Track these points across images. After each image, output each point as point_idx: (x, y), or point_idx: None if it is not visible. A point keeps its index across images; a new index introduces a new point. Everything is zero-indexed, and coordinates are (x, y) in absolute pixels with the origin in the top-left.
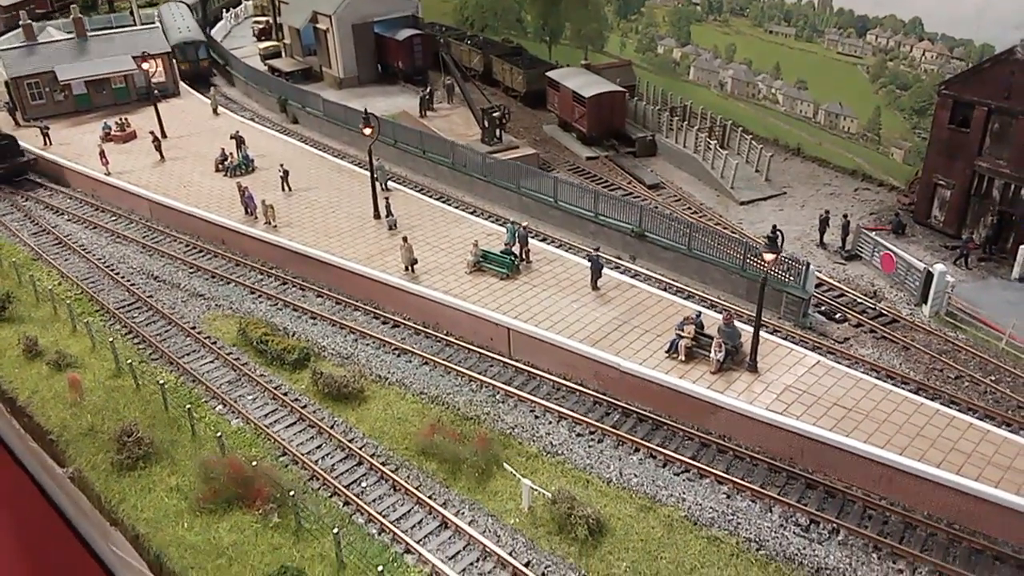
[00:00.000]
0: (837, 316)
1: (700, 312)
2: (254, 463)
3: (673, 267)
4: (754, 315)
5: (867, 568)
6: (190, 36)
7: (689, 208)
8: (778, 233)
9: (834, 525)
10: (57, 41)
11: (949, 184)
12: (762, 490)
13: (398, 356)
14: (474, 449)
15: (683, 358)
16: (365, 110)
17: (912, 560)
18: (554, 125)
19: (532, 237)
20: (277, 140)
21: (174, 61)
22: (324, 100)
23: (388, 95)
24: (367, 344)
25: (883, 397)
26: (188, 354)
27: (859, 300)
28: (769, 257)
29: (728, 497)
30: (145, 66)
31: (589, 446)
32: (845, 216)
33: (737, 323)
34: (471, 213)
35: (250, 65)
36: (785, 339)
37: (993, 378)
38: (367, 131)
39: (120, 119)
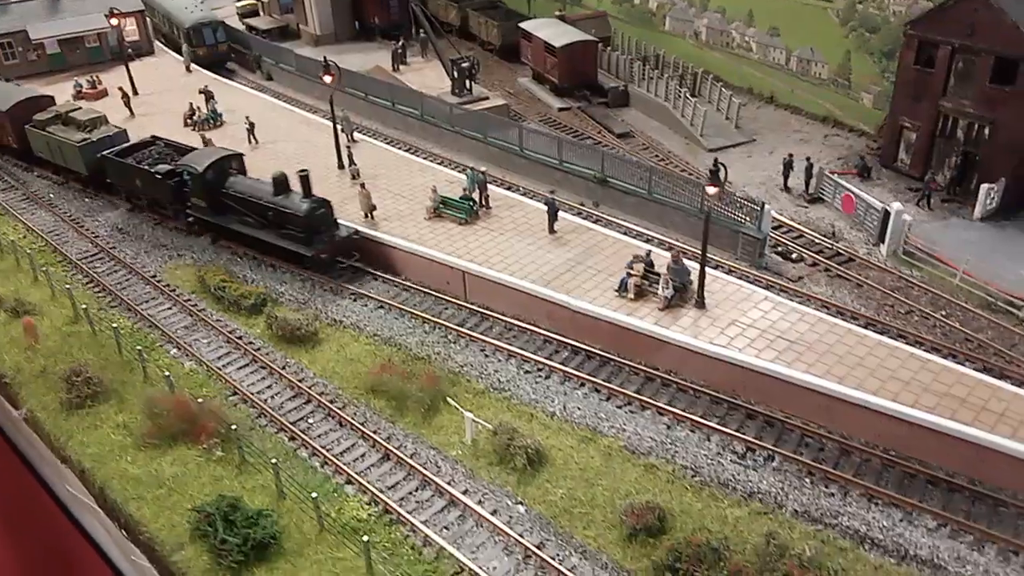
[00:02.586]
0: (793, 256)
1: (650, 251)
2: (200, 400)
3: (635, 212)
4: (710, 255)
5: (799, 492)
6: (204, 16)
7: (656, 156)
8: (720, 166)
9: (769, 452)
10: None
11: (915, 126)
12: (702, 420)
13: (354, 300)
14: (421, 386)
15: (632, 296)
16: (324, 57)
17: (844, 484)
18: (528, 78)
19: (491, 183)
20: (249, 96)
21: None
22: (296, 55)
23: (365, 51)
24: (324, 290)
25: (827, 330)
26: (146, 301)
27: (817, 240)
28: (712, 190)
29: (668, 428)
30: (113, 22)
31: (536, 382)
32: (808, 159)
33: (686, 261)
34: (439, 164)
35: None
36: (739, 278)
37: (944, 313)
38: (327, 79)
39: (91, 77)
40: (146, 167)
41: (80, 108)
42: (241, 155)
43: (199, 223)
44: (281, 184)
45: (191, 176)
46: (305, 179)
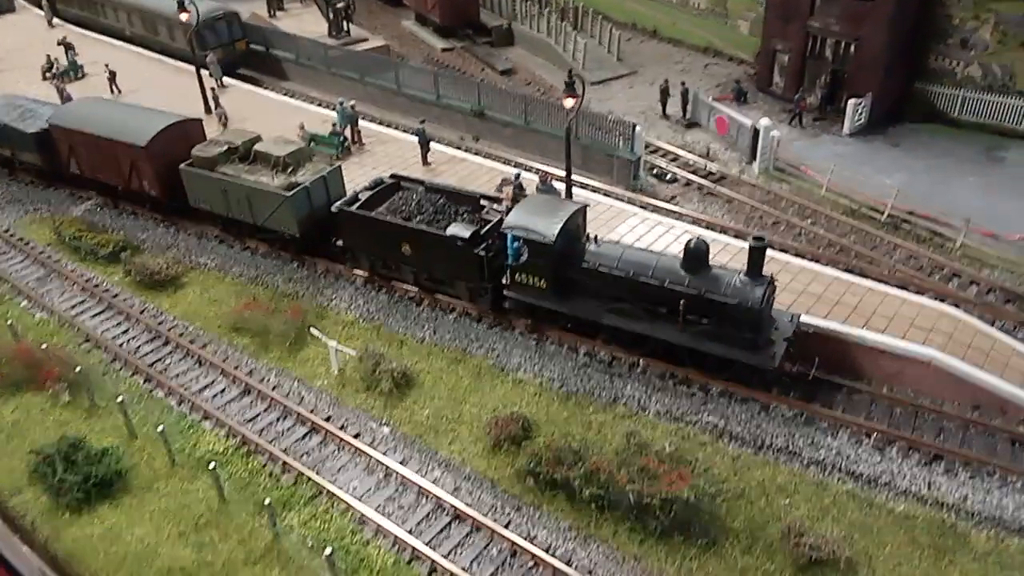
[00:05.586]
0: (668, 177)
1: (519, 173)
2: (44, 346)
3: (514, 143)
4: (586, 180)
5: (661, 393)
6: (214, 9)
7: (539, 89)
8: (575, 79)
9: (635, 360)
10: None
11: (786, 48)
12: (569, 332)
13: (220, 243)
14: (285, 320)
15: None
16: None
17: (704, 384)
18: (411, 20)
19: (371, 122)
20: (114, 48)
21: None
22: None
23: (243, 1)
24: (188, 234)
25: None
26: None
27: (692, 162)
28: (569, 103)
29: (537, 343)
30: None
31: (407, 310)
32: (683, 84)
33: (555, 183)
34: (318, 106)
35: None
36: (614, 200)
37: (810, 221)
38: (183, 16)
39: None
40: (429, 229)
41: (258, 136)
42: (586, 207)
43: (521, 310)
44: (699, 258)
45: (529, 245)
46: (759, 251)
